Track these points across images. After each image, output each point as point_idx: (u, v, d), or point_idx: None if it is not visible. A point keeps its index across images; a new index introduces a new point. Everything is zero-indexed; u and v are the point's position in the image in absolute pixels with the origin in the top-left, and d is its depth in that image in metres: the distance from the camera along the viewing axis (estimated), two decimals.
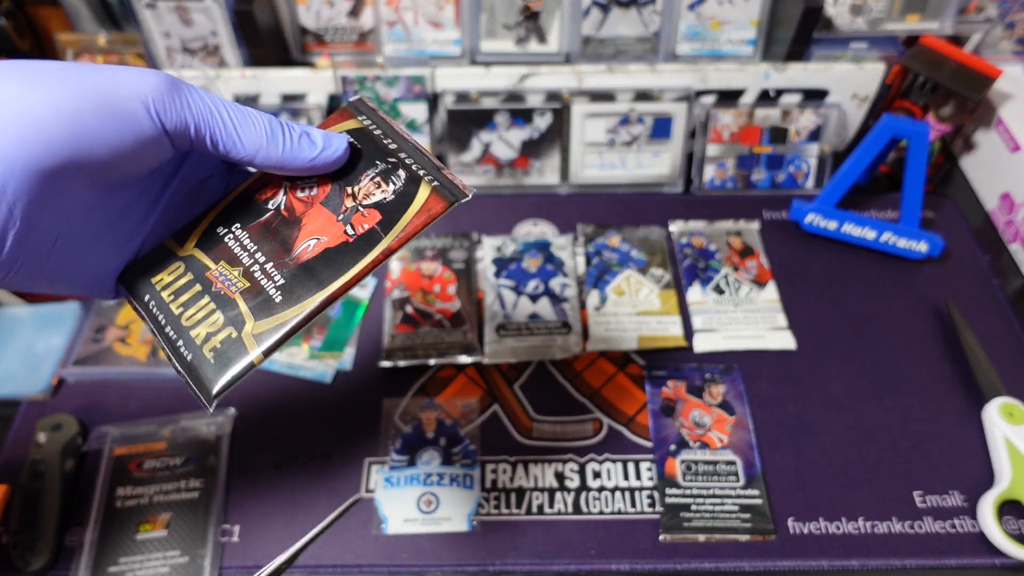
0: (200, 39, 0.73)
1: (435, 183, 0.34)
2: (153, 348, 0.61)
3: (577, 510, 0.53)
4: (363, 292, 0.66)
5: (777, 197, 0.75)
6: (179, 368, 0.32)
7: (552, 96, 0.71)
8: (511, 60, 0.73)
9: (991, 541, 0.51)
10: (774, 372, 0.61)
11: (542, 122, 0.72)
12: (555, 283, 0.66)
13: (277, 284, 0.33)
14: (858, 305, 0.66)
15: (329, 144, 0.34)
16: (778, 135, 0.73)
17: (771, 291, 0.66)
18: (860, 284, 0.67)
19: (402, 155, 0.35)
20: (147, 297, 0.33)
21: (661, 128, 0.73)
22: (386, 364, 0.61)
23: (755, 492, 0.53)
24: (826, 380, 0.60)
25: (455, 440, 0.57)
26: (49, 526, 0.51)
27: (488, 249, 0.69)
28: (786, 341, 0.63)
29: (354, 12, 0.74)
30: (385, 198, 0.34)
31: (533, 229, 0.72)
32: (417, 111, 0.71)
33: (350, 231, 0.33)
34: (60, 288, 0.31)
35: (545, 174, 0.75)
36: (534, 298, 0.65)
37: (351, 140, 0.35)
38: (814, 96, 0.73)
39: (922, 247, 0.67)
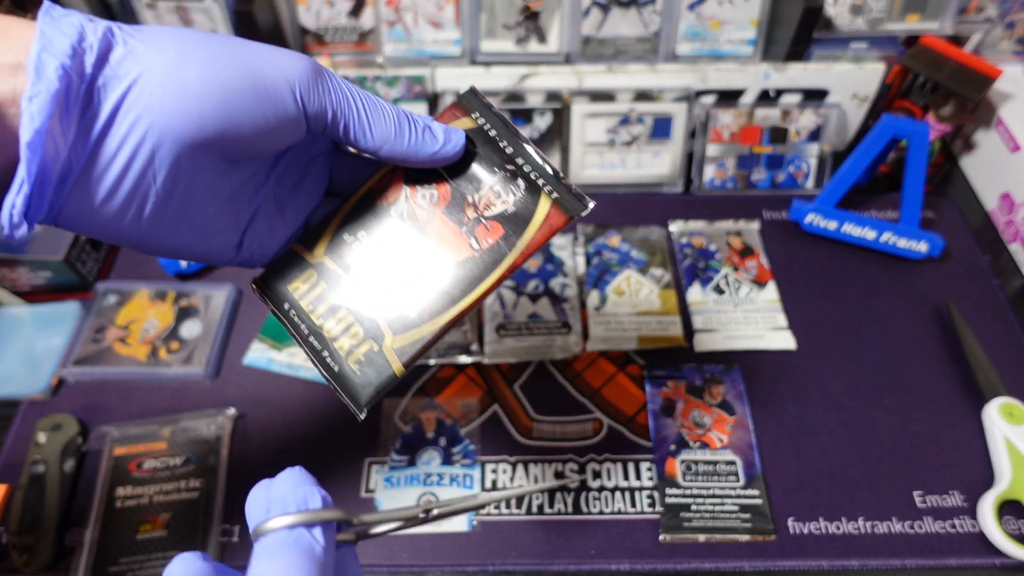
0: None
1: (555, 194, 0.34)
2: (153, 348, 0.61)
3: (577, 510, 0.53)
4: None
5: (777, 197, 0.75)
6: (327, 377, 0.33)
7: (552, 96, 0.71)
8: (511, 60, 0.73)
9: (991, 541, 0.51)
10: (774, 372, 0.61)
11: (542, 122, 0.72)
12: (555, 283, 0.66)
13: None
14: (858, 305, 0.66)
15: (449, 139, 0.34)
16: (778, 135, 0.73)
17: (771, 291, 0.66)
18: (860, 284, 0.67)
19: (519, 160, 0.35)
20: (287, 305, 0.35)
21: (661, 128, 0.72)
22: None
23: (755, 492, 0.53)
24: (826, 380, 0.60)
25: (455, 440, 0.57)
26: (49, 526, 0.51)
27: None
28: (786, 341, 0.63)
29: (354, 12, 0.74)
30: (506, 210, 0.34)
31: None
32: (417, 111, 0.71)
33: (475, 244, 0.34)
34: (183, 253, 0.32)
35: None
36: (534, 298, 0.65)
37: (469, 142, 0.35)
38: (814, 96, 0.73)
39: (922, 247, 0.67)
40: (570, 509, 0.53)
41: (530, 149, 0.35)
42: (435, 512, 0.35)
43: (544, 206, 0.34)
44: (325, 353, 0.34)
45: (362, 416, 0.33)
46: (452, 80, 0.71)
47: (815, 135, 0.73)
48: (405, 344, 0.33)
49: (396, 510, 0.34)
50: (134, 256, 0.70)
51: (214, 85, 0.27)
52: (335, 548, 0.29)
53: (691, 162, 0.75)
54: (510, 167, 0.35)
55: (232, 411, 0.57)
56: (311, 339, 0.34)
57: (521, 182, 0.34)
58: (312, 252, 0.35)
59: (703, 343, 0.63)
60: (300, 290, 0.35)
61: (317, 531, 0.28)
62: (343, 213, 0.36)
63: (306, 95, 0.30)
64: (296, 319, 0.34)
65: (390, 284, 0.34)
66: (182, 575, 0.27)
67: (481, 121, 0.36)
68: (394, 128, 0.32)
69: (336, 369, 0.33)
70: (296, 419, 0.58)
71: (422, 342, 0.33)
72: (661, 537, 0.52)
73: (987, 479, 0.54)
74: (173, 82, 0.27)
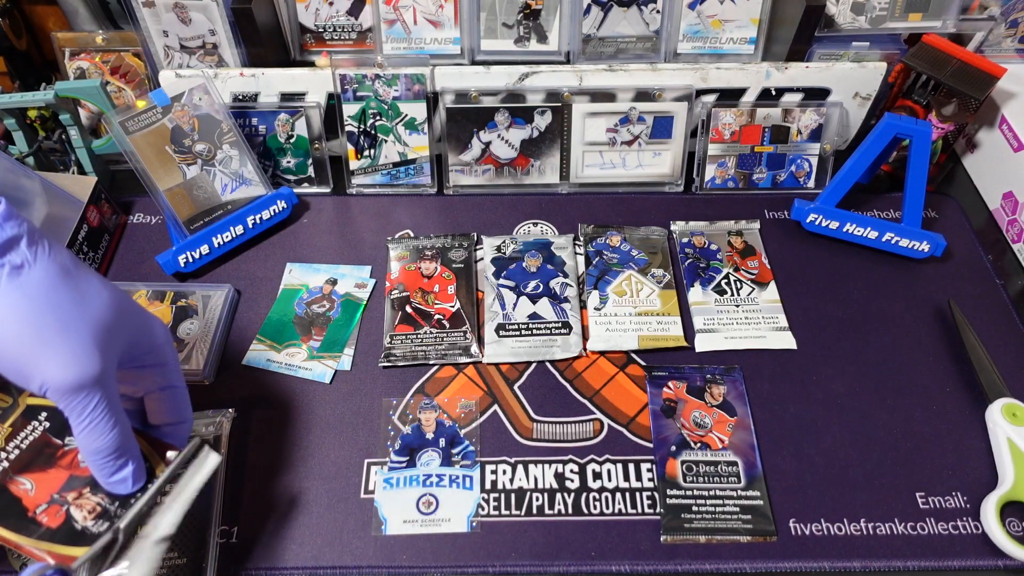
0: (198, 38, 0.72)
1: (91, 556, 0.38)
2: None
3: (577, 511, 0.53)
4: (362, 292, 0.66)
5: (778, 197, 0.74)
6: None
7: (552, 95, 0.71)
8: (511, 59, 0.73)
9: (994, 543, 0.50)
10: (775, 372, 0.61)
11: (542, 121, 0.72)
12: (555, 283, 0.66)
13: None
14: (860, 305, 0.65)
15: (128, 483, 0.40)
16: (779, 134, 0.73)
17: (772, 291, 0.66)
18: (862, 284, 0.67)
19: (129, 522, 0.40)
20: None
21: (662, 127, 0.72)
22: (385, 364, 0.61)
23: (756, 493, 0.53)
24: (828, 380, 0.60)
25: (455, 441, 0.56)
26: None
27: (488, 249, 0.69)
28: (787, 341, 0.62)
29: (353, 11, 0.74)
30: (76, 524, 0.40)
31: (533, 229, 0.72)
32: (417, 110, 0.70)
33: (39, 510, 0.40)
34: None
35: (545, 174, 0.74)
36: (534, 298, 0.65)
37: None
38: (815, 95, 0.72)
39: (924, 247, 0.67)
40: (570, 510, 0.53)
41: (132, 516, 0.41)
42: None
43: (76, 552, 0.39)
44: None
45: None
46: (452, 79, 0.70)
47: (816, 134, 0.73)
48: None
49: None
50: (132, 256, 0.69)
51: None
52: None
53: (692, 161, 0.75)
54: (119, 513, 0.41)
55: (231, 412, 0.57)
56: None
57: (105, 526, 0.40)
58: None
59: (704, 343, 0.62)
60: None
61: None
62: None
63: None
64: None
65: None
66: None
67: (165, 473, 0.41)
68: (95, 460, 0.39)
69: None
70: (295, 420, 0.58)
71: None
72: (662, 538, 0.51)
73: (990, 480, 0.54)
74: None
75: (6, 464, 0.41)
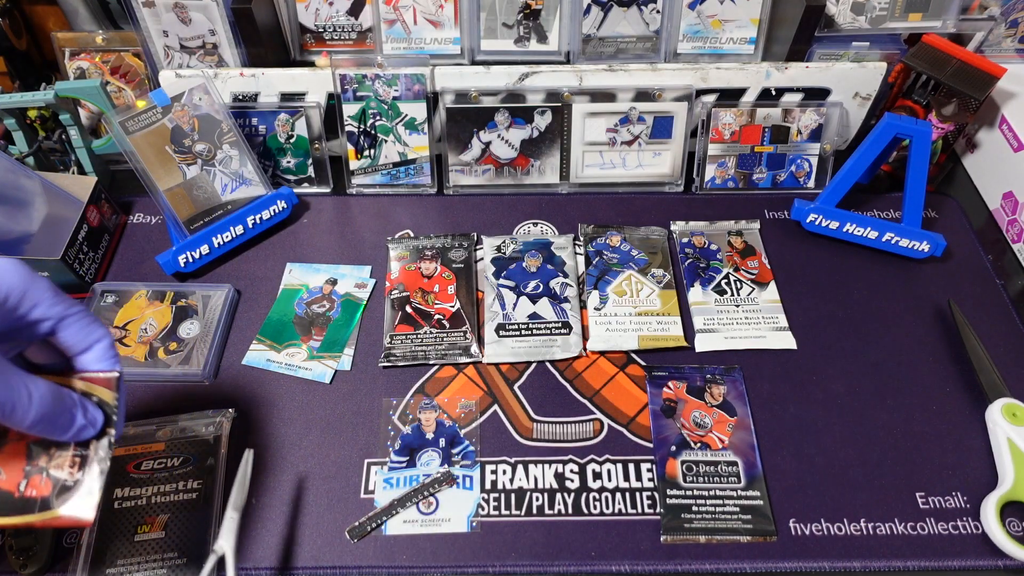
0: (198, 38, 0.72)
1: (100, 498, 0.38)
2: (151, 348, 0.61)
3: (577, 511, 0.53)
4: (362, 292, 0.66)
5: (778, 196, 0.74)
6: None
7: (552, 95, 0.71)
8: (511, 59, 0.73)
9: (994, 543, 0.50)
10: (775, 372, 0.61)
11: (542, 121, 0.72)
12: (555, 283, 0.66)
13: None
14: (860, 305, 0.65)
15: (89, 427, 0.39)
16: (779, 134, 0.73)
17: (772, 291, 0.66)
18: (862, 284, 0.67)
19: (108, 454, 0.39)
20: None
21: (662, 127, 0.72)
22: (385, 364, 0.61)
23: (756, 493, 0.53)
24: (828, 380, 0.60)
25: (455, 441, 0.56)
26: (47, 528, 0.51)
27: (488, 249, 0.69)
28: (787, 341, 0.62)
29: (353, 11, 0.74)
30: (66, 481, 0.39)
31: (533, 229, 0.72)
32: (417, 110, 0.70)
33: (22, 487, 0.38)
34: None
35: (545, 174, 0.74)
36: (534, 298, 0.65)
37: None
38: (815, 95, 0.72)
39: (924, 247, 0.67)
40: (570, 510, 0.53)
41: (111, 450, 0.40)
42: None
43: (89, 502, 0.38)
44: None
45: None
46: (452, 79, 0.70)
47: (816, 134, 0.73)
48: None
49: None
50: (132, 256, 0.69)
51: None
52: None
53: (692, 161, 0.75)
54: (98, 452, 0.39)
55: (231, 412, 0.57)
56: None
57: (96, 469, 0.39)
58: None
59: (704, 343, 0.62)
60: None
61: None
62: None
63: None
64: None
65: None
66: None
67: (116, 404, 0.41)
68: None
69: None
70: (295, 419, 0.58)
71: None
72: (662, 538, 0.51)
73: (990, 480, 0.54)
74: None
75: None
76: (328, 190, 0.75)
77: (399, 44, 0.74)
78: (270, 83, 0.71)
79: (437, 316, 0.64)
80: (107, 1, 0.77)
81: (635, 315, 0.64)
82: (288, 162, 0.74)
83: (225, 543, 0.46)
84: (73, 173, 0.72)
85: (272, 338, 0.62)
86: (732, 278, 0.67)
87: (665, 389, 0.59)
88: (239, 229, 0.68)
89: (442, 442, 0.56)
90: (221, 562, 0.46)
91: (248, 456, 0.50)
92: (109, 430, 0.40)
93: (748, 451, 0.55)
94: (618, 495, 0.54)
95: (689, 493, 0.53)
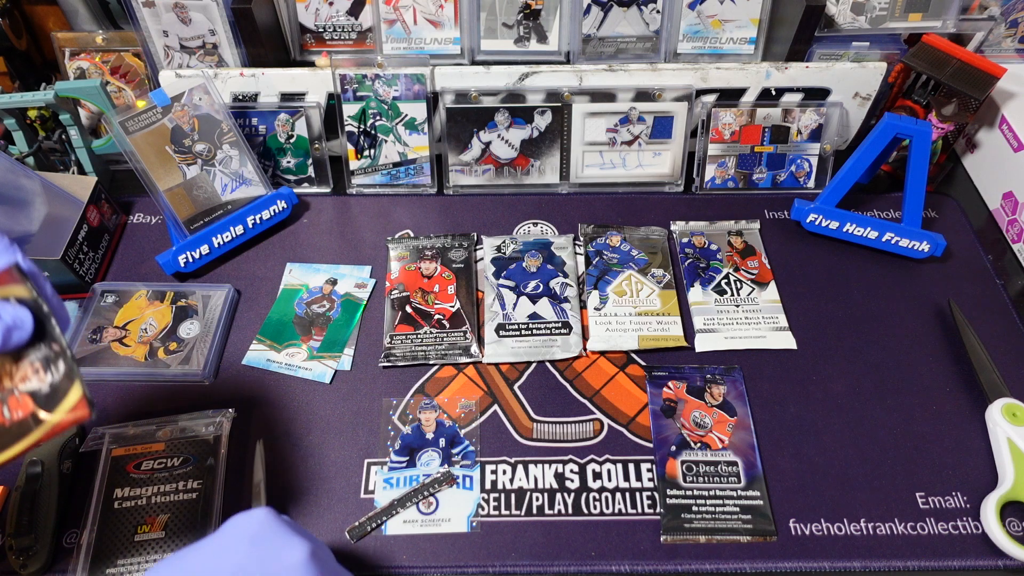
0: (198, 38, 0.72)
1: (84, 385, 0.36)
2: (151, 348, 0.61)
3: (577, 511, 0.53)
4: (362, 292, 0.66)
5: (778, 196, 0.74)
6: None
7: (552, 95, 0.71)
8: (511, 59, 0.73)
9: (994, 543, 0.50)
10: (775, 372, 0.61)
11: (542, 121, 0.72)
12: (555, 283, 0.66)
13: None
14: (860, 305, 0.65)
15: (17, 328, 0.35)
16: (779, 134, 0.73)
17: (772, 291, 0.66)
18: (862, 284, 0.67)
19: (64, 342, 0.36)
20: None
21: (662, 127, 0.72)
22: (385, 364, 0.61)
23: (756, 493, 0.53)
24: (827, 380, 0.60)
25: (455, 441, 0.56)
26: (46, 528, 0.51)
27: (488, 249, 0.69)
28: (787, 341, 0.62)
29: (353, 11, 0.74)
30: (41, 389, 0.36)
31: (533, 229, 0.72)
32: (417, 110, 0.70)
33: (6, 414, 0.36)
34: None
35: (545, 174, 0.74)
36: (534, 298, 0.65)
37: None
38: (815, 95, 0.72)
39: (924, 247, 0.67)
40: (570, 510, 0.53)
41: (64, 337, 0.37)
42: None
43: (75, 395, 0.36)
44: None
45: None
46: (452, 79, 0.70)
47: (816, 134, 0.73)
48: None
49: None
50: (132, 256, 0.69)
51: None
52: None
53: (692, 161, 0.75)
54: (56, 347, 0.36)
55: (231, 412, 0.57)
56: None
57: (62, 364, 0.36)
58: None
59: (704, 343, 0.62)
60: None
61: None
62: None
63: None
64: None
65: None
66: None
67: (35, 294, 0.37)
68: None
69: None
70: (295, 419, 0.58)
71: None
72: (662, 538, 0.51)
73: (990, 480, 0.54)
74: None
75: None
76: (328, 190, 0.75)
77: (399, 44, 0.74)
78: (270, 83, 0.71)
79: (437, 316, 0.64)
80: (107, 1, 0.77)
81: (635, 315, 0.64)
82: (288, 162, 0.74)
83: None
84: (73, 173, 0.72)
85: (272, 338, 0.62)
86: (732, 278, 0.67)
87: (665, 389, 0.59)
88: (239, 229, 0.68)
89: (442, 442, 0.56)
90: None
91: (259, 449, 0.51)
92: (50, 324, 0.37)
93: (748, 451, 0.55)
94: (618, 495, 0.54)
95: (689, 493, 0.53)
